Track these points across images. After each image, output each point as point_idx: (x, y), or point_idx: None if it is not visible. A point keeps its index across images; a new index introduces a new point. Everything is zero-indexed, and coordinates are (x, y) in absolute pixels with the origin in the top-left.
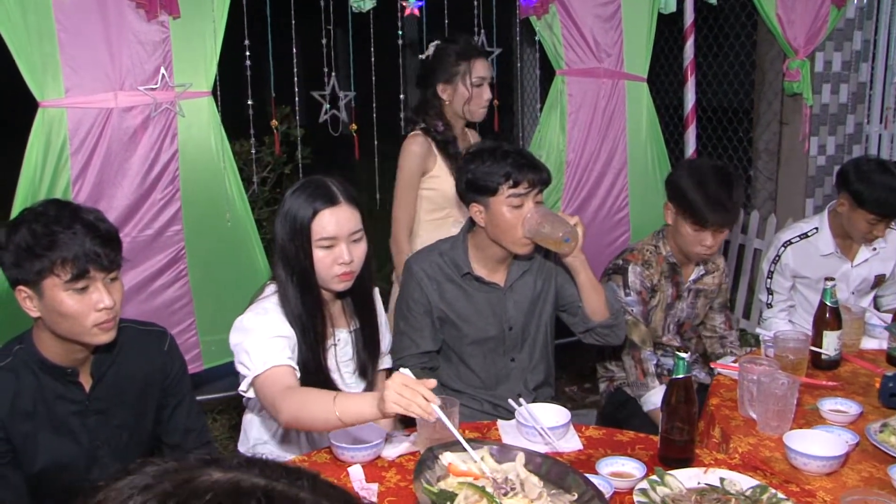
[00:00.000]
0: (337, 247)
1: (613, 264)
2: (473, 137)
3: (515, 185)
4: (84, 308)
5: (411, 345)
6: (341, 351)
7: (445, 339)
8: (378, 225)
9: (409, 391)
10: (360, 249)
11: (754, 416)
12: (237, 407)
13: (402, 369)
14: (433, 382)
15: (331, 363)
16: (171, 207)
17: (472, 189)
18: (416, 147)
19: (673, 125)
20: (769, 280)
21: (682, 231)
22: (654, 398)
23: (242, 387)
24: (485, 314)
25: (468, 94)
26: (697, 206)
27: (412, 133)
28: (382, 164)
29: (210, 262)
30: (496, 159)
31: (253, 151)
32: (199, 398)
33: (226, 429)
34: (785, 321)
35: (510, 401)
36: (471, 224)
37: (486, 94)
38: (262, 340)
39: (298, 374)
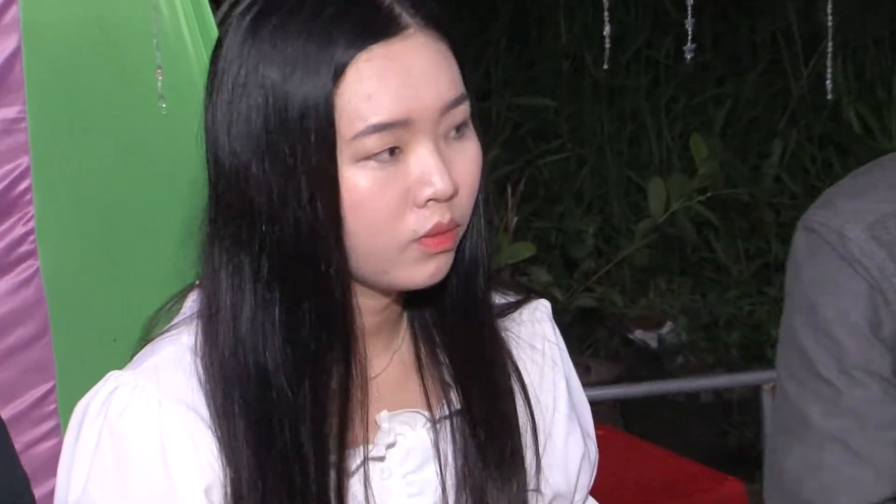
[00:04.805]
0: (414, 151)
1: None
2: None
3: None
4: None
5: (851, 471)
6: (398, 483)
7: None
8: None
9: None
10: (471, 157)
11: None
12: None
13: None
14: None
15: None
16: None
17: None
18: None
19: None
20: None
21: None
22: None
23: None
24: None
25: None
26: None
27: None
28: None
29: (100, 214)
30: None
31: None
32: None
33: None
34: None
35: None
36: None
37: None
38: None
39: None
